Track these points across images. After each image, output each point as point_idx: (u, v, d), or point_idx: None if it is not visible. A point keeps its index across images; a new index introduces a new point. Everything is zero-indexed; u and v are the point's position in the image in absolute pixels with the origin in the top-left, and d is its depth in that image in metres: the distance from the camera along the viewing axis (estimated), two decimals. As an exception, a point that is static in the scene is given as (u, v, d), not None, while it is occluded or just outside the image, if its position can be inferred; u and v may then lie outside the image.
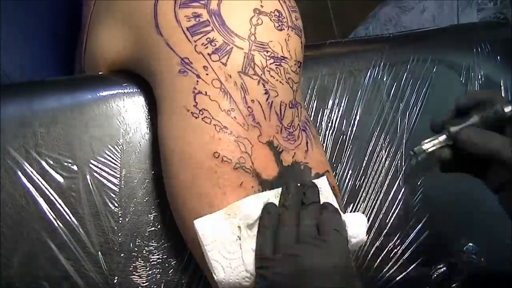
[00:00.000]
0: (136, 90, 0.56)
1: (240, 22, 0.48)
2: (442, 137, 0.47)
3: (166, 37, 0.48)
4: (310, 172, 0.50)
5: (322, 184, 0.49)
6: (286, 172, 0.48)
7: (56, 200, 0.52)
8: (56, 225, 0.51)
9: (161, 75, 0.49)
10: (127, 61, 0.55)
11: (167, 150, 0.49)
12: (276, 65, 0.49)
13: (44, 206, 0.51)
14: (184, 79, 0.47)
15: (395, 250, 0.65)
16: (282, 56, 0.49)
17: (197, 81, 0.47)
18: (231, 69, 0.47)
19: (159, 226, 0.54)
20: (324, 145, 0.64)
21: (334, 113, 0.65)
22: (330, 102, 0.65)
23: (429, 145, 0.47)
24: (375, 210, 0.65)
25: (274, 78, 0.48)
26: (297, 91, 0.51)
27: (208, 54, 0.47)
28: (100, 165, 0.53)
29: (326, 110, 0.65)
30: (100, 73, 0.59)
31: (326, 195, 0.49)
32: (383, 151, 0.66)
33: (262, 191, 0.47)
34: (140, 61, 0.53)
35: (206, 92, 0.47)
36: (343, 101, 0.65)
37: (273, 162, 0.48)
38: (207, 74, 0.47)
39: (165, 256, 0.54)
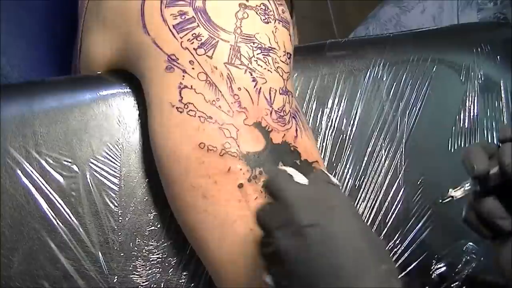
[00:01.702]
0: (136, 89, 0.56)
1: (225, 17, 0.48)
2: (468, 186, 0.47)
3: (153, 36, 0.49)
4: (300, 157, 0.50)
5: None
6: (275, 149, 0.48)
7: (56, 200, 0.52)
8: (56, 224, 0.51)
9: (149, 74, 0.50)
10: (119, 61, 0.56)
11: (157, 147, 0.50)
12: (263, 55, 0.49)
13: (44, 205, 0.51)
14: (170, 75, 0.48)
15: (395, 250, 0.65)
16: (269, 47, 0.49)
17: (183, 76, 0.47)
18: (217, 61, 0.48)
19: (159, 225, 0.54)
20: (324, 144, 0.64)
21: (334, 113, 0.65)
22: (330, 101, 0.65)
23: (457, 193, 0.47)
24: (375, 210, 0.65)
25: (261, 67, 0.49)
26: (288, 80, 0.51)
27: (194, 48, 0.47)
28: (100, 165, 0.53)
29: (326, 109, 0.65)
30: (98, 72, 0.59)
31: None
32: (383, 151, 0.66)
33: (251, 168, 0.47)
34: (130, 61, 0.53)
35: (191, 86, 0.47)
36: (343, 100, 0.65)
37: (261, 140, 0.48)
38: (193, 68, 0.47)
39: (165, 255, 0.54)
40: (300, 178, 0.42)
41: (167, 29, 0.48)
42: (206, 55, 0.48)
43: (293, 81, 0.54)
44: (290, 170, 0.43)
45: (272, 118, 0.49)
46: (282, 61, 0.50)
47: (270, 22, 0.50)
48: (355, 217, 0.41)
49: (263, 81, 0.49)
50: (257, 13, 0.49)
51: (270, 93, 0.49)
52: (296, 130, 0.50)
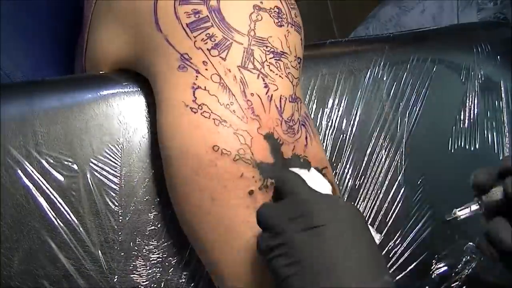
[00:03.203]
0: (137, 89, 0.56)
1: (239, 18, 0.48)
2: (474, 207, 0.47)
3: (165, 34, 0.48)
4: (310, 166, 0.50)
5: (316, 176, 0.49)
6: (286, 164, 0.48)
7: (57, 199, 0.52)
8: (56, 224, 0.51)
9: (160, 72, 0.49)
10: (128, 59, 0.55)
11: (167, 146, 0.49)
12: (275, 59, 0.49)
13: (45, 205, 0.51)
14: (183, 75, 0.47)
15: (395, 250, 0.65)
16: (281, 51, 0.49)
17: (197, 76, 0.47)
18: (231, 64, 0.47)
19: (159, 225, 0.54)
20: (324, 144, 0.64)
21: (334, 113, 0.65)
22: (330, 101, 0.65)
23: (461, 213, 0.48)
24: (375, 209, 0.65)
25: (273, 72, 0.49)
26: (297, 86, 0.51)
27: (207, 49, 0.47)
28: (100, 164, 0.53)
29: (326, 109, 0.65)
30: (101, 72, 0.59)
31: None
32: (383, 151, 0.66)
33: (263, 178, 0.47)
34: (140, 59, 0.53)
35: (205, 87, 0.47)
36: (343, 100, 0.65)
37: (273, 153, 0.48)
38: (206, 69, 0.47)
39: (165, 255, 0.54)
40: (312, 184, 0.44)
41: (180, 27, 0.48)
42: (220, 57, 0.47)
43: (301, 88, 0.54)
44: (303, 172, 0.44)
45: (283, 129, 0.49)
46: (293, 67, 0.50)
47: (283, 25, 0.50)
48: (364, 228, 0.42)
49: (275, 88, 0.49)
50: (270, 15, 0.49)
51: (280, 101, 0.49)
52: (306, 138, 0.51)
